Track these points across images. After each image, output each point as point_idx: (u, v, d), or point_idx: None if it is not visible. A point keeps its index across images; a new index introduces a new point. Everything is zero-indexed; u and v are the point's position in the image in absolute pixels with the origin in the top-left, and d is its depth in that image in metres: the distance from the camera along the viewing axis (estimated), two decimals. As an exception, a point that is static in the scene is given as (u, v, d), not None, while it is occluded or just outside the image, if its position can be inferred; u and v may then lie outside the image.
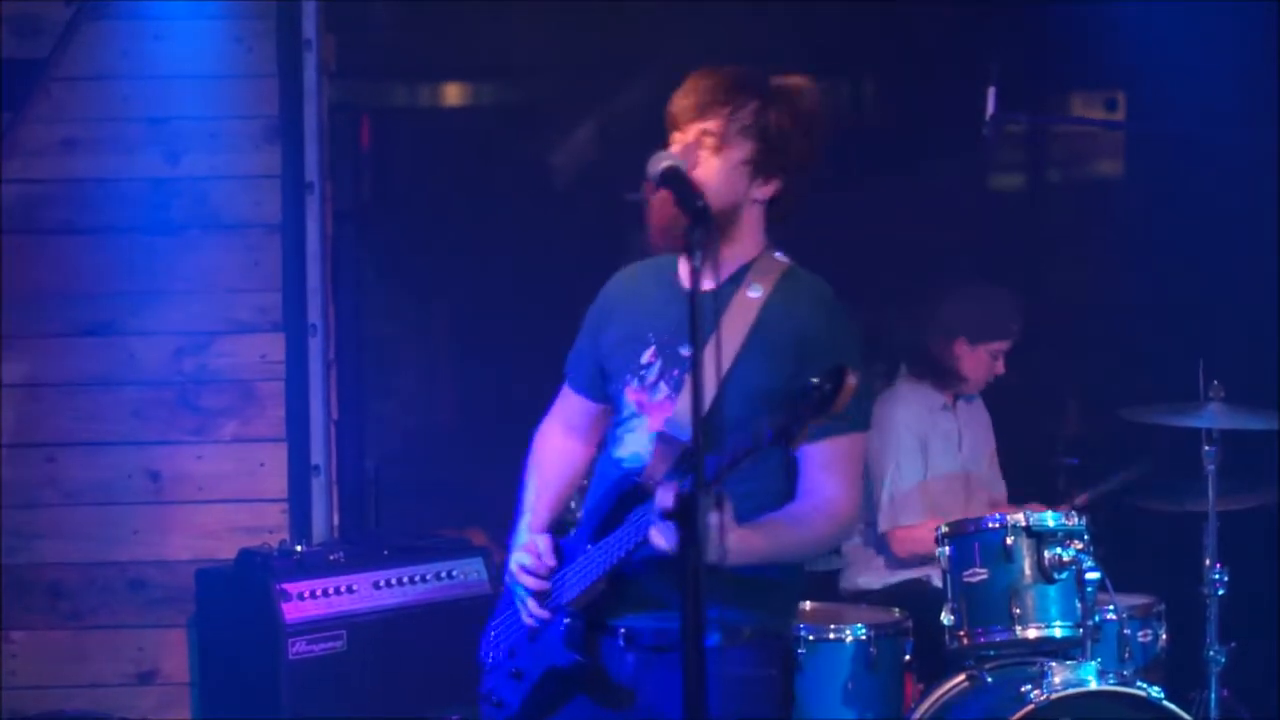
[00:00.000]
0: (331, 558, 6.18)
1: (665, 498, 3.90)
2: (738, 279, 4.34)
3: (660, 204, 4.18)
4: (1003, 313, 6.59)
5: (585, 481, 4.69)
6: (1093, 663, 5.63)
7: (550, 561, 4.45)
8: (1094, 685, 5.59)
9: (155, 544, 6.57)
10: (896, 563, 6.49)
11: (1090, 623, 5.67)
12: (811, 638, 5.82)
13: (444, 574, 6.27)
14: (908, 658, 5.94)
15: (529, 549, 4.50)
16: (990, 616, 5.75)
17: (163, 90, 6.54)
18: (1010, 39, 6.99)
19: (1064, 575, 5.70)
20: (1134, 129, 7.85)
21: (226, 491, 6.60)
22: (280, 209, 6.60)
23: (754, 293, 4.32)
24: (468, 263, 7.50)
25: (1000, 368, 6.60)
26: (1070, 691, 5.57)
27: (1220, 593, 6.05)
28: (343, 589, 6.10)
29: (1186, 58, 6.87)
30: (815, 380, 3.88)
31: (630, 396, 4.41)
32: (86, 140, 6.53)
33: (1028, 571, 5.74)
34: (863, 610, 6.14)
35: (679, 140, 4.32)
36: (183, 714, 6.56)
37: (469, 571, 6.31)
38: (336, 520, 6.74)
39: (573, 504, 5.00)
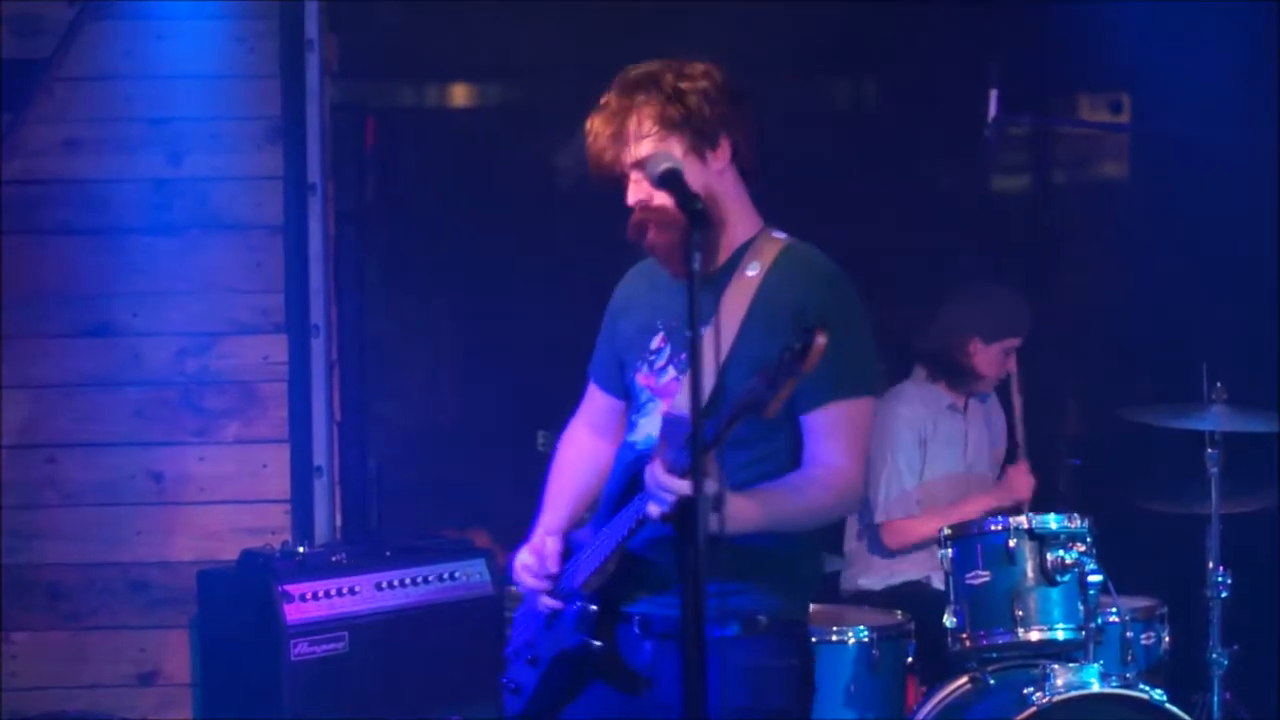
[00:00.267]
0: (333, 559, 6.18)
1: (653, 470, 3.97)
2: (736, 259, 4.35)
3: (660, 211, 4.20)
4: (1014, 310, 6.60)
5: None
6: (1095, 665, 5.63)
7: (553, 567, 4.46)
8: (1096, 688, 5.58)
9: (157, 545, 6.57)
10: (889, 555, 6.48)
11: (1093, 625, 5.66)
12: (813, 639, 5.79)
13: (446, 575, 6.27)
14: (910, 660, 5.94)
15: (535, 549, 4.51)
16: (993, 619, 5.75)
17: (165, 90, 6.53)
18: (1013, 40, 6.98)
19: (1066, 578, 5.70)
20: (1137, 131, 7.84)
21: (229, 492, 6.60)
22: (282, 210, 6.60)
23: (752, 271, 4.32)
24: (470, 263, 7.50)
25: (1012, 365, 6.60)
26: (1072, 694, 5.57)
27: (1223, 595, 6.05)
28: (345, 590, 6.09)
29: (1192, 59, 6.86)
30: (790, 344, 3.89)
31: (642, 382, 4.44)
32: (88, 140, 6.53)
33: (1030, 574, 5.74)
34: (865, 612, 6.14)
35: (633, 188, 4.31)
36: (184, 715, 6.56)
37: (471, 573, 6.31)
38: (339, 521, 6.73)
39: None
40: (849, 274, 4.38)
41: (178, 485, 6.58)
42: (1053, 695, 5.55)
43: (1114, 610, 5.89)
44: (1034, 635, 5.73)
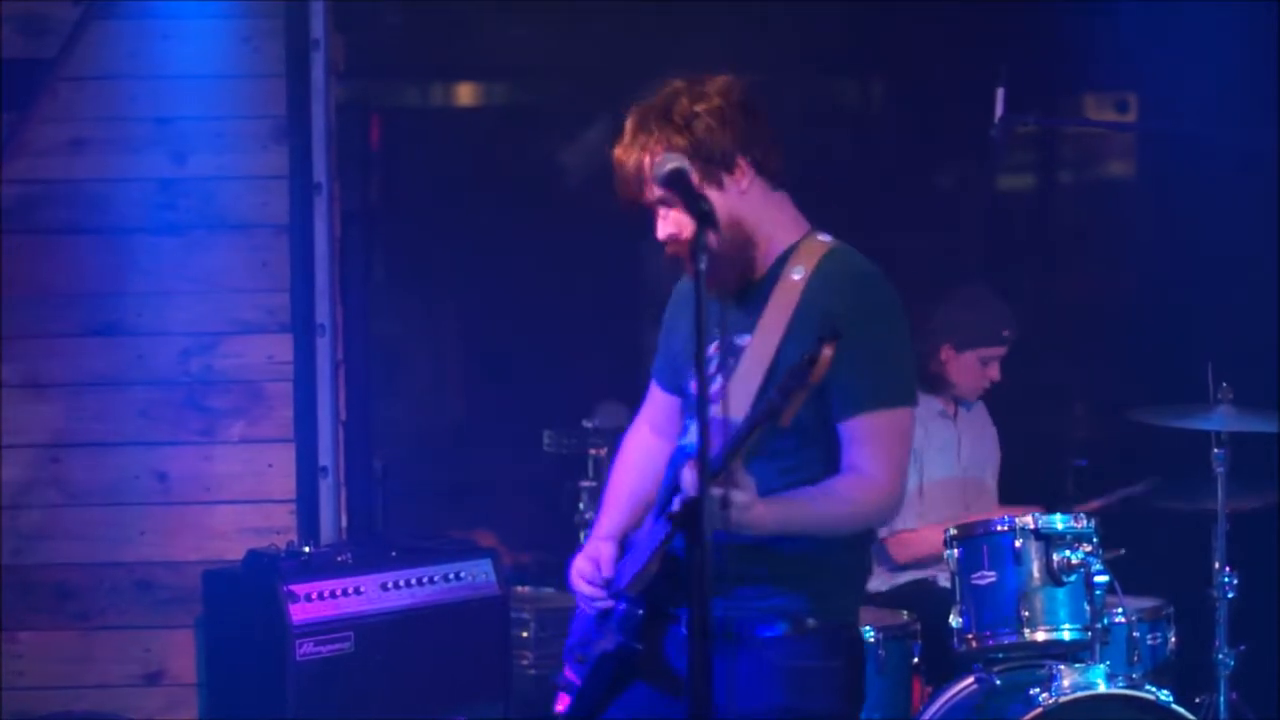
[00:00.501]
0: (339, 559, 6.17)
1: (686, 472, 4.00)
2: (779, 265, 4.35)
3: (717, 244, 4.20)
4: (991, 319, 6.51)
5: None
6: (1101, 665, 5.62)
7: (607, 572, 4.46)
8: (1102, 688, 5.57)
9: (162, 545, 6.57)
10: (897, 567, 6.47)
11: (1099, 625, 5.65)
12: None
13: (452, 575, 6.26)
14: (916, 660, 5.94)
15: (590, 555, 4.51)
16: (998, 619, 5.73)
17: (170, 90, 6.53)
18: (1020, 40, 6.97)
19: (1072, 578, 5.68)
20: (1144, 130, 7.83)
21: (234, 492, 6.60)
22: (288, 209, 6.59)
23: (796, 275, 4.32)
24: (476, 263, 7.51)
25: (994, 374, 6.54)
26: (1079, 694, 5.56)
27: (1230, 596, 6.04)
28: (350, 590, 6.09)
29: (1198, 59, 6.85)
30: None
31: (694, 388, 4.42)
32: (93, 140, 6.53)
33: (1036, 574, 5.72)
34: (871, 612, 6.12)
35: (661, 224, 4.31)
36: (189, 715, 6.55)
37: (477, 573, 6.30)
38: (344, 521, 6.73)
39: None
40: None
41: (183, 485, 6.57)
42: (1059, 696, 5.54)
43: (1120, 610, 5.88)
44: (1040, 635, 5.71)
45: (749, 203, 4.32)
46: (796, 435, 4.19)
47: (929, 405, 6.54)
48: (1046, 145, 7.97)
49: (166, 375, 6.57)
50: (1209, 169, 6.83)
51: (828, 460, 4.30)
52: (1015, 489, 6.76)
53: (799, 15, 7.27)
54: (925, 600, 6.19)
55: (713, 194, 4.23)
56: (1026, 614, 5.69)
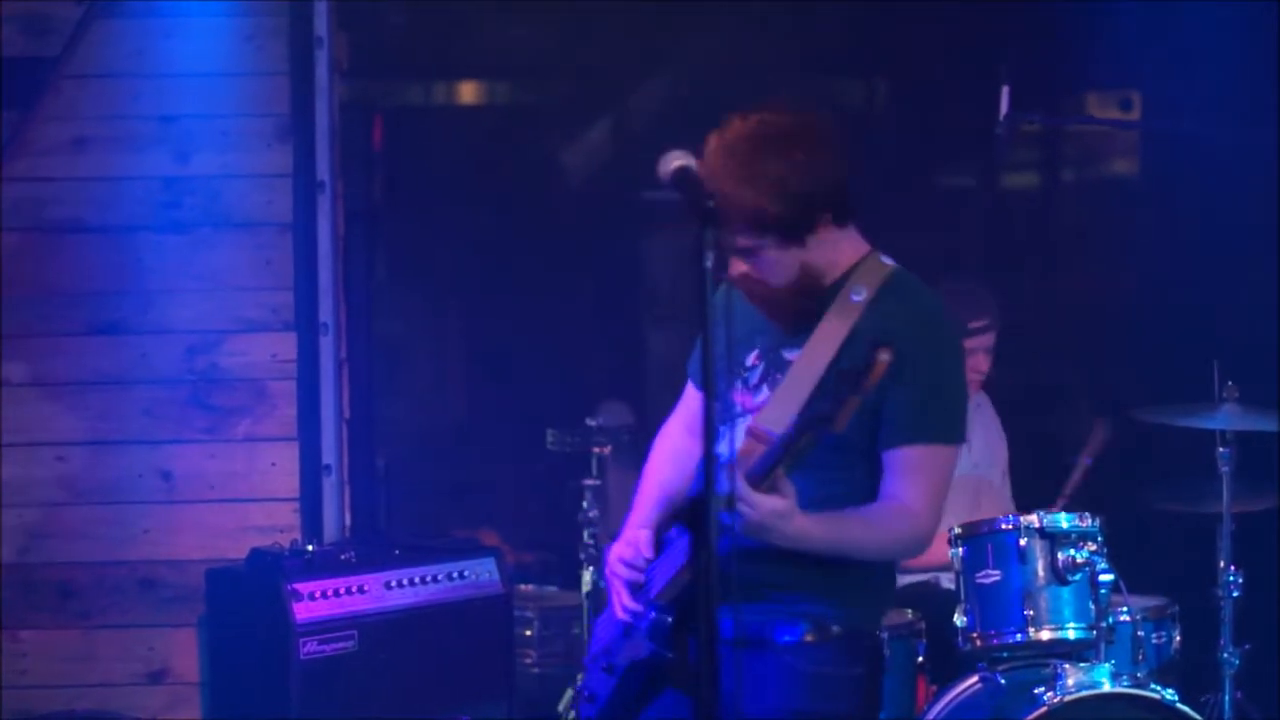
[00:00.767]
0: (342, 557, 6.17)
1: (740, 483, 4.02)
2: (841, 281, 4.36)
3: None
4: (970, 309, 6.50)
5: None
6: (1106, 665, 5.61)
7: (648, 553, 4.45)
8: (1107, 687, 5.56)
9: (166, 543, 6.56)
10: (904, 570, 6.45)
11: (1104, 625, 5.64)
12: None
13: (455, 574, 6.25)
14: (920, 659, 5.92)
15: (628, 540, 4.50)
16: (1003, 618, 5.73)
17: (173, 88, 6.52)
18: (1024, 38, 6.97)
19: (1077, 577, 5.68)
20: (1148, 128, 7.83)
21: (238, 491, 6.59)
22: (291, 208, 6.59)
23: (857, 295, 4.33)
24: (480, 262, 7.51)
25: (980, 364, 6.52)
26: (1084, 693, 5.55)
27: (1235, 595, 6.04)
28: (354, 589, 6.08)
29: (1203, 57, 6.84)
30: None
31: (735, 397, 4.44)
32: (97, 139, 6.53)
33: (1041, 573, 5.71)
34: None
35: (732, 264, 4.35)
36: (192, 714, 6.55)
37: (480, 572, 6.29)
38: (348, 520, 6.72)
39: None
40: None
41: (187, 483, 6.57)
42: (1064, 695, 5.54)
43: (1125, 609, 5.87)
44: (1045, 634, 5.70)
45: (822, 245, 4.35)
46: (842, 453, 4.21)
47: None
48: (1049, 144, 7.97)
49: (170, 373, 6.56)
50: (1213, 166, 6.82)
51: (868, 484, 4.31)
52: (1015, 489, 6.76)
53: (799, 15, 7.27)
54: (930, 599, 6.18)
55: (793, 249, 4.27)
56: (1031, 613, 5.68)
